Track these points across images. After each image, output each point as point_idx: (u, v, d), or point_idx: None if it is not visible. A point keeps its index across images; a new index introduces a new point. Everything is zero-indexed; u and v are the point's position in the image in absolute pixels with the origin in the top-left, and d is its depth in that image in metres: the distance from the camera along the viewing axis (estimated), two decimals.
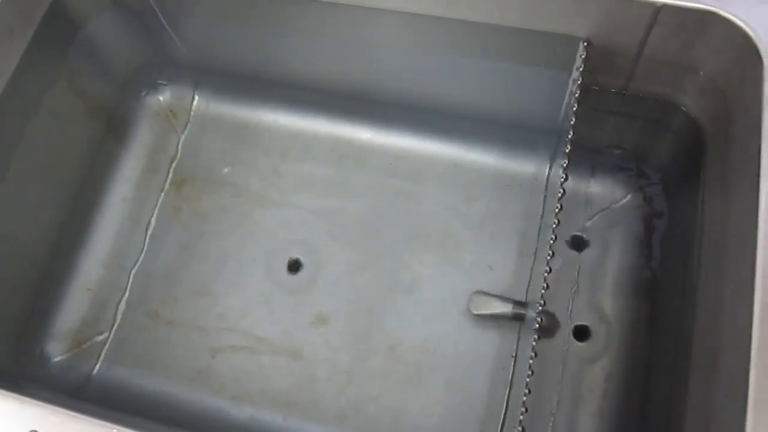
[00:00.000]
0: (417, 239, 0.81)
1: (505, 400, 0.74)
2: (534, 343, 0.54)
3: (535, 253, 0.79)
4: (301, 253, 0.81)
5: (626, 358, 0.75)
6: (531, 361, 0.54)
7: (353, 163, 0.85)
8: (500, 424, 0.73)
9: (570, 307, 0.78)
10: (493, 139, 0.83)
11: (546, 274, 0.56)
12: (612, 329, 0.77)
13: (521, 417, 0.53)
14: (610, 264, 0.79)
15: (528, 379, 0.53)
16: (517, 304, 0.75)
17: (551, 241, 0.56)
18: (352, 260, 0.80)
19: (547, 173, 0.81)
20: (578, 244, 0.80)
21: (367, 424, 0.75)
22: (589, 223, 0.81)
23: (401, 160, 0.84)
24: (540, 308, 0.55)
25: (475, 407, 0.74)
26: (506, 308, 0.75)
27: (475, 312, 0.76)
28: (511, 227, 0.80)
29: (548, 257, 0.56)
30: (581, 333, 0.77)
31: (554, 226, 0.57)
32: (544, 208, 0.80)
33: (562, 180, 0.59)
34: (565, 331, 0.77)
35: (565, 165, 0.59)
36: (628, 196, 0.81)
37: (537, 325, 0.55)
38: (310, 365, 0.77)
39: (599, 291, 0.78)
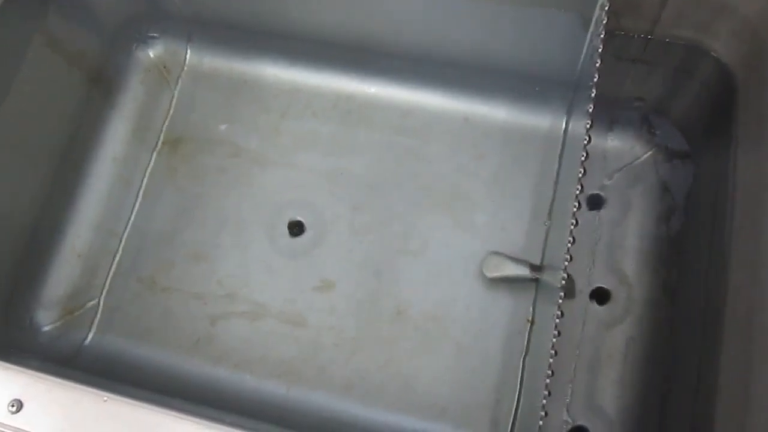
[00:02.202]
0: (426, 199, 0.76)
1: (521, 366, 0.70)
2: (560, 301, 0.50)
3: (550, 213, 0.74)
4: (303, 215, 0.77)
5: (648, 322, 0.71)
6: (557, 321, 0.50)
7: (357, 119, 0.80)
8: (517, 391, 0.69)
9: (589, 269, 0.73)
10: (505, 92, 0.78)
11: (570, 245, 0.51)
12: (633, 292, 0.73)
13: (548, 381, 0.49)
14: (631, 224, 0.75)
15: (554, 340, 0.49)
16: (533, 266, 0.71)
17: (574, 209, 0.52)
18: (358, 222, 0.76)
19: (563, 128, 0.77)
20: (596, 203, 0.76)
21: (375, 393, 0.71)
22: (607, 181, 0.76)
23: (408, 115, 0.79)
24: (564, 276, 0.51)
25: (488, 374, 0.70)
26: (521, 270, 0.71)
27: (488, 275, 0.72)
28: (524, 185, 0.76)
29: (572, 226, 0.52)
30: (600, 296, 0.73)
31: (577, 192, 0.53)
32: (560, 164, 0.76)
33: (585, 142, 0.54)
34: (584, 294, 0.73)
35: (588, 126, 0.55)
36: (650, 152, 0.77)
37: (563, 281, 0.51)
38: (314, 332, 0.73)
39: (619, 252, 0.74)
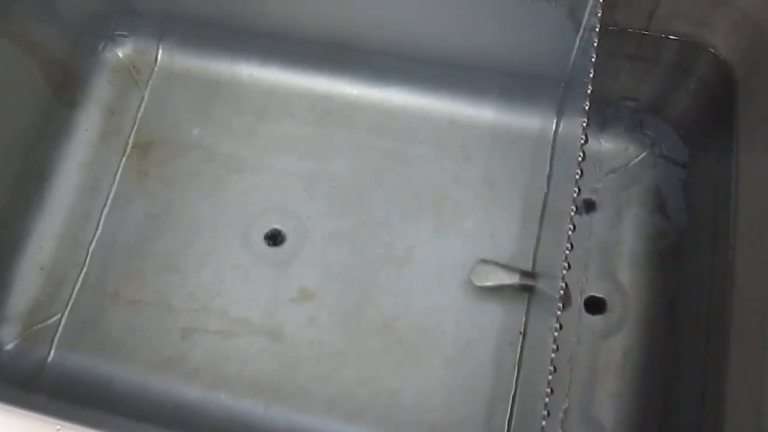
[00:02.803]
0: (410, 204, 0.72)
1: (514, 379, 0.66)
2: (559, 313, 0.46)
3: (542, 217, 0.71)
4: (281, 222, 0.73)
5: (646, 331, 0.68)
6: (556, 334, 0.46)
7: (338, 121, 0.76)
8: (509, 407, 0.65)
9: (582, 277, 0.70)
10: (492, 91, 0.74)
11: (567, 252, 0.48)
12: (629, 300, 0.69)
13: (547, 399, 0.45)
14: (625, 229, 0.72)
15: (553, 355, 0.46)
16: (525, 274, 0.67)
17: (572, 213, 0.48)
18: (339, 229, 0.72)
19: (553, 128, 0.73)
20: (588, 207, 0.73)
21: (360, 410, 0.67)
22: (599, 185, 0.73)
23: (391, 117, 0.76)
24: (563, 286, 0.47)
25: (479, 388, 0.66)
26: (512, 279, 0.67)
27: (478, 283, 0.68)
28: (514, 189, 0.72)
29: (569, 231, 0.48)
30: (595, 305, 0.69)
31: (575, 194, 0.49)
32: (551, 166, 0.72)
33: (582, 141, 0.50)
34: (577, 304, 0.69)
35: (585, 125, 0.51)
36: (643, 154, 0.74)
37: (562, 291, 0.47)
38: (294, 347, 0.68)
39: (613, 259, 0.71)
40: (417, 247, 0.71)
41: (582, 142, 0.50)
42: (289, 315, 0.70)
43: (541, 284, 0.64)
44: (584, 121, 0.51)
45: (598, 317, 0.69)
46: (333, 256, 0.71)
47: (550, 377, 0.45)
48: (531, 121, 0.74)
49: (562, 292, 0.47)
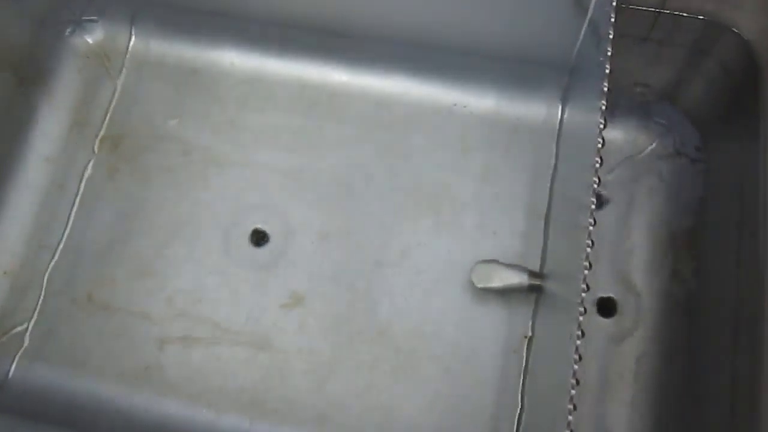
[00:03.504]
0: (406, 201, 0.67)
1: (520, 390, 0.61)
2: (581, 318, 0.41)
3: (549, 212, 0.65)
4: (266, 221, 0.67)
5: (662, 335, 0.63)
6: (579, 342, 0.41)
7: (326, 111, 0.70)
8: (515, 420, 0.60)
9: (591, 277, 0.65)
10: (493, 78, 0.69)
11: (589, 249, 0.42)
12: (642, 302, 0.64)
13: (570, 417, 0.40)
14: (637, 225, 0.67)
15: (576, 367, 0.40)
16: (532, 274, 0.62)
17: (592, 206, 0.43)
18: (329, 228, 0.66)
19: (558, 117, 0.68)
20: (597, 201, 0.67)
21: (353, 425, 0.61)
22: (609, 176, 0.68)
23: (384, 106, 0.70)
24: (584, 288, 0.42)
25: (483, 399, 0.61)
26: (517, 279, 0.62)
27: (480, 285, 0.63)
28: (517, 182, 0.67)
29: (590, 226, 0.43)
30: (605, 307, 0.64)
31: (595, 185, 0.44)
32: (557, 158, 0.67)
33: (601, 126, 0.45)
34: (586, 305, 0.64)
35: (604, 107, 0.46)
36: (655, 143, 0.68)
37: (583, 294, 0.42)
38: (281, 356, 0.63)
39: (624, 257, 0.66)
40: (413, 246, 0.66)
41: (601, 127, 0.45)
42: (275, 322, 0.64)
43: (550, 285, 0.59)
44: (603, 104, 0.46)
45: (608, 320, 0.64)
46: (322, 258, 0.65)
47: (573, 392, 0.40)
48: (534, 110, 0.69)
49: (583, 294, 0.42)
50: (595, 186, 0.44)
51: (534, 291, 0.62)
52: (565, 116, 0.67)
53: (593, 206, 0.43)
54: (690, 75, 0.64)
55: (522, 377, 0.61)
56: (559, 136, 0.67)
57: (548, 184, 0.66)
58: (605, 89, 0.46)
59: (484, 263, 0.63)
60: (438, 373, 0.62)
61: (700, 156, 0.68)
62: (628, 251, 0.66)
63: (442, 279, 0.65)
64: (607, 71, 0.46)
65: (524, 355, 0.62)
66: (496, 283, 0.63)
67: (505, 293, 0.63)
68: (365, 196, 0.67)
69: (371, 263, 0.65)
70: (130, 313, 0.65)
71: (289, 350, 0.63)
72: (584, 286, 0.42)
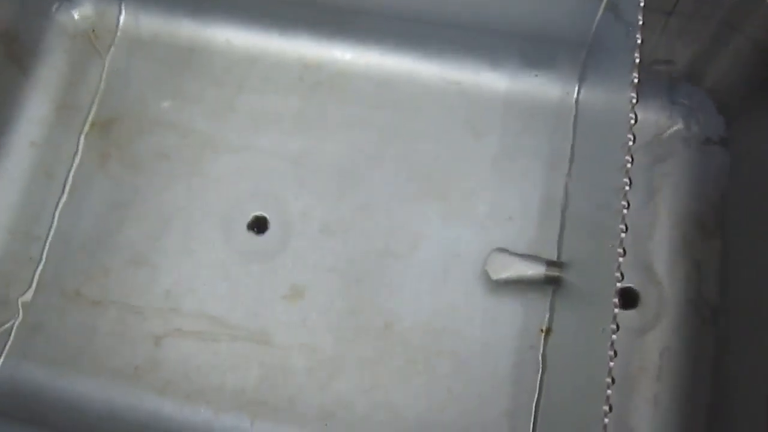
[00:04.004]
0: (414, 187, 0.63)
1: (537, 387, 0.58)
2: (616, 311, 0.37)
3: (566, 198, 0.62)
4: (266, 208, 0.63)
5: (686, 327, 0.59)
6: (614, 337, 0.37)
7: (329, 92, 0.66)
8: (532, 419, 0.57)
9: None
10: (506, 55, 0.65)
11: (623, 235, 0.39)
12: (665, 292, 0.60)
13: (606, 420, 0.36)
14: (658, 211, 0.63)
15: (612, 364, 0.37)
16: (550, 263, 0.58)
17: (626, 188, 0.40)
18: (332, 216, 0.63)
19: (575, 96, 0.64)
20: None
21: (358, 425, 0.58)
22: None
23: (390, 87, 0.66)
24: (619, 277, 0.38)
25: (497, 398, 0.58)
26: (534, 269, 0.58)
27: (494, 277, 0.59)
28: (532, 166, 0.63)
29: (624, 209, 0.39)
30: (627, 298, 0.61)
31: (628, 165, 0.40)
32: (574, 139, 0.63)
33: (634, 101, 0.41)
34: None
35: (636, 80, 0.42)
36: (677, 125, 0.64)
37: (618, 284, 0.38)
38: (283, 352, 0.59)
39: (646, 245, 0.62)
40: (422, 235, 0.62)
41: (634, 102, 0.41)
42: (276, 316, 0.60)
43: (570, 275, 0.55)
44: (635, 77, 0.42)
45: (630, 312, 0.60)
46: (326, 248, 0.62)
47: (609, 392, 0.36)
48: (550, 89, 0.65)
49: (618, 284, 0.38)
50: (629, 165, 0.40)
51: (551, 282, 0.59)
52: (582, 95, 0.63)
53: (627, 188, 0.39)
54: (717, 52, 0.60)
55: (539, 374, 0.58)
56: (576, 116, 0.63)
57: (565, 167, 0.62)
58: (637, 60, 0.42)
59: (498, 253, 0.60)
60: (449, 369, 0.58)
61: (726, 139, 0.64)
62: (649, 238, 0.62)
63: (453, 270, 0.61)
64: (639, 41, 0.43)
65: (541, 350, 0.58)
66: (512, 273, 0.59)
67: (520, 284, 0.59)
68: (370, 182, 0.64)
69: (377, 253, 0.61)
70: (122, 308, 0.61)
71: (290, 346, 0.60)
72: (618, 275, 0.38)
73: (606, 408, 0.36)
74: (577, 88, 0.64)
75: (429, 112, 0.65)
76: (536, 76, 0.64)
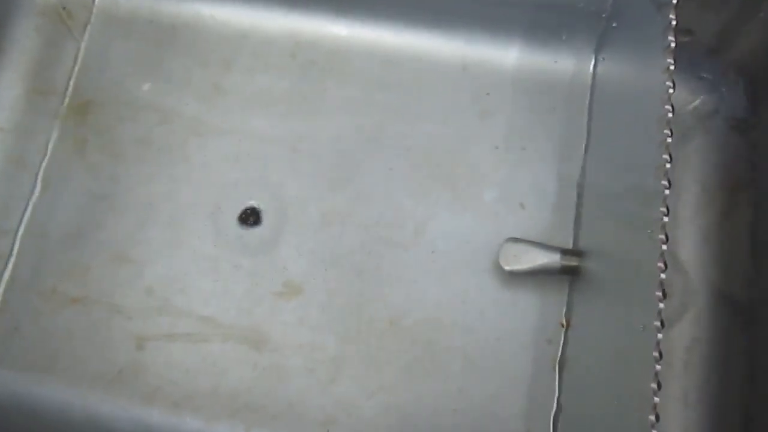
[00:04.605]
0: (418, 172, 0.59)
1: (556, 386, 0.53)
2: (661, 305, 0.33)
3: (583, 180, 0.57)
4: (258, 197, 0.59)
5: (715, 318, 0.55)
6: (660, 336, 0.32)
7: (325, 71, 0.61)
8: (551, 421, 0.52)
9: None
10: (515, 27, 0.60)
11: (665, 219, 0.34)
12: (690, 281, 0.56)
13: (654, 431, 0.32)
14: (681, 193, 0.58)
15: (658, 367, 0.32)
16: (567, 252, 0.54)
17: (666, 165, 0.35)
18: (331, 205, 0.58)
19: (591, 70, 0.60)
20: None
21: (363, 429, 0.53)
22: None
23: (391, 64, 0.61)
24: (662, 267, 0.34)
25: (512, 398, 0.53)
26: (551, 259, 0.54)
27: (507, 267, 0.54)
28: (545, 147, 0.59)
29: (665, 190, 0.35)
30: None
31: (668, 139, 0.36)
32: (591, 115, 0.58)
33: (671, 68, 0.37)
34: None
35: (672, 44, 0.38)
36: (698, 101, 0.60)
37: (662, 275, 0.34)
38: (279, 354, 0.55)
39: (669, 231, 0.57)
40: (428, 224, 0.57)
41: (671, 68, 0.36)
42: (271, 314, 0.56)
43: (591, 264, 0.51)
44: (671, 41, 0.37)
45: None
46: (324, 240, 0.57)
47: (656, 399, 0.31)
48: (564, 63, 0.60)
49: (662, 275, 0.33)
50: (669, 140, 0.35)
51: (568, 272, 0.54)
52: (600, 68, 0.58)
53: (668, 165, 0.35)
54: (745, 23, 0.56)
55: (558, 372, 0.53)
56: (592, 92, 0.59)
57: (581, 147, 0.58)
58: (673, 22, 0.37)
59: (511, 242, 0.55)
60: (460, 368, 0.54)
61: (750, 117, 0.59)
62: (674, 224, 0.58)
63: (463, 260, 0.56)
64: (674, 21, 0.38)
65: (560, 345, 0.54)
66: (526, 264, 0.54)
67: (536, 275, 0.55)
68: (371, 168, 0.59)
69: (380, 244, 0.57)
70: (103, 307, 0.56)
71: (287, 346, 0.55)
72: (661, 264, 0.33)
73: (652, 418, 0.31)
74: (593, 62, 0.59)
75: (432, 91, 0.60)
76: (564, 39, 0.59)
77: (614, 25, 0.55)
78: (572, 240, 0.56)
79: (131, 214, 0.59)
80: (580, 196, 0.56)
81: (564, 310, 0.54)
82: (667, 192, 0.34)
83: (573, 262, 0.53)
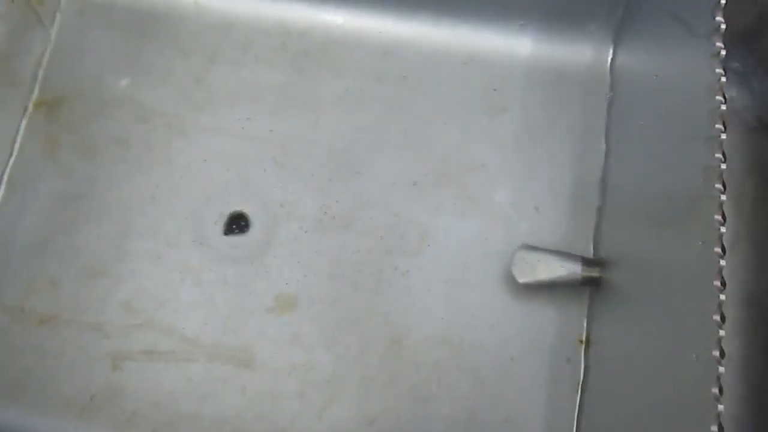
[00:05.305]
0: (422, 173, 0.53)
1: (576, 409, 0.48)
2: (721, 333, 0.28)
3: (604, 181, 0.52)
4: (245, 202, 0.53)
5: (747, 327, 0.50)
6: (721, 369, 0.27)
7: (319, 63, 0.56)
8: None
9: None
10: (526, 15, 0.55)
11: (722, 229, 0.29)
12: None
13: None
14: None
15: (720, 407, 0.27)
16: (588, 262, 0.49)
17: (722, 165, 0.30)
18: (325, 211, 0.53)
19: (609, 61, 0.55)
20: None
21: None
22: None
23: (391, 55, 0.56)
24: (721, 287, 0.29)
25: (529, 424, 0.48)
26: (569, 269, 0.49)
27: (521, 279, 0.49)
28: (561, 146, 0.54)
29: (720, 195, 0.30)
30: None
31: (722, 135, 0.31)
32: (610, 112, 0.53)
33: (721, 51, 0.32)
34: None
35: (722, 26, 0.33)
36: (732, 94, 0.55)
37: (720, 283, 0.29)
38: (270, 375, 0.49)
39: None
40: (433, 231, 0.52)
41: (722, 53, 0.31)
42: (261, 331, 0.50)
43: (615, 275, 0.46)
44: (720, 22, 0.32)
45: None
46: (318, 249, 0.52)
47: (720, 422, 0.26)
48: (580, 53, 0.55)
49: (721, 296, 0.28)
50: (723, 136, 0.30)
51: (589, 283, 0.49)
52: (619, 59, 0.53)
53: (723, 165, 0.30)
54: None
55: (579, 394, 0.48)
56: (612, 84, 0.53)
57: (601, 146, 0.53)
58: (722, 26, 0.32)
59: (525, 250, 0.50)
60: (470, 390, 0.49)
61: None
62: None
63: (472, 271, 0.51)
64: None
65: (581, 365, 0.49)
66: (542, 274, 0.49)
67: (553, 287, 0.50)
68: (370, 169, 0.54)
69: (380, 253, 0.52)
70: (75, 324, 0.51)
71: (279, 366, 0.50)
72: (718, 283, 0.28)
73: None
74: (611, 52, 0.54)
75: (437, 85, 0.55)
76: (581, 27, 0.54)
77: (634, 11, 0.50)
78: (592, 248, 0.51)
79: (107, 221, 0.53)
80: (602, 199, 0.51)
81: (584, 325, 0.49)
82: (723, 197, 0.29)
83: (595, 272, 0.48)
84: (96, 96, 0.56)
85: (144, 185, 0.54)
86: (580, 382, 0.48)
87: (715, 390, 0.27)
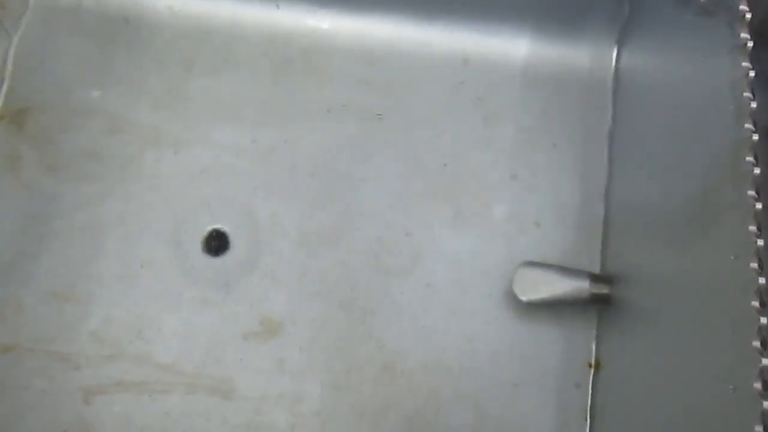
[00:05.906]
0: (414, 186, 0.50)
1: None
2: (765, 362, 0.24)
3: (609, 191, 0.49)
4: (225, 219, 0.50)
5: None
6: (766, 405, 0.24)
7: (304, 70, 0.53)
8: None
9: None
10: (523, 16, 0.52)
11: (759, 242, 0.26)
12: None
13: None
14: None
15: (765, 420, 0.24)
16: (596, 278, 0.45)
17: (754, 169, 0.27)
18: (311, 227, 0.49)
19: (613, 63, 0.51)
20: None
21: None
22: None
23: (379, 62, 0.53)
24: (760, 308, 0.25)
25: None
26: (575, 286, 0.45)
27: (524, 297, 0.46)
28: (562, 155, 0.51)
29: (755, 203, 0.26)
30: None
31: (754, 136, 0.27)
32: (614, 117, 0.50)
33: (747, 41, 0.29)
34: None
35: (748, 14, 0.30)
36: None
37: (764, 319, 0.25)
38: (254, 406, 0.46)
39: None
40: (428, 248, 0.49)
41: (749, 45, 0.28)
42: (244, 358, 0.47)
43: (626, 293, 0.42)
44: (746, 12, 0.29)
45: None
46: (305, 268, 0.48)
47: None
48: (580, 55, 0.52)
49: (763, 319, 0.25)
50: (755, 138, 0.27)
51: (597, 301, 0.45)
52: (624, 61, 0.50)
53: (756, 170, 0.26)
54: None
55: (588, 422, 0.45)
56: (615, 88, 0.50)
57: (604, 154, 0.50)
58: (747, 14, 0.29)
59: (527, 266, 0.46)
60: (471, 419, 0.45)
61: None
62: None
63: (470, 290, 0.48)
64: None
65: (590, 390, 0.45)
66: (546, 292, 0.46)
67: (558, 306, 0.46)
68: (359, 182, 0.50)
69: (371, 272, 0.48)
70: (42, 354, 0.47)
71: (264, 397, 0.46)
72: (757, 304, 0.25)
73: None
74: (615, 53, 0.51)
75: (430, 92, 0.52)
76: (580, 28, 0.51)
77: (638, 11, 0.47)
78: (600, 263, 0.47)
79: (76, 242, 0.49)
80: (607, 210, 0.48)
81: (593, 347, 0.46)
82: (758, 206, 0.26)
83: (604, 289, 0.45)
84: (64, 106, 0.52)
85: (116, 202, 0.50)
86: (589, 410, 0.45)
87: (760, 429, 0.23)
